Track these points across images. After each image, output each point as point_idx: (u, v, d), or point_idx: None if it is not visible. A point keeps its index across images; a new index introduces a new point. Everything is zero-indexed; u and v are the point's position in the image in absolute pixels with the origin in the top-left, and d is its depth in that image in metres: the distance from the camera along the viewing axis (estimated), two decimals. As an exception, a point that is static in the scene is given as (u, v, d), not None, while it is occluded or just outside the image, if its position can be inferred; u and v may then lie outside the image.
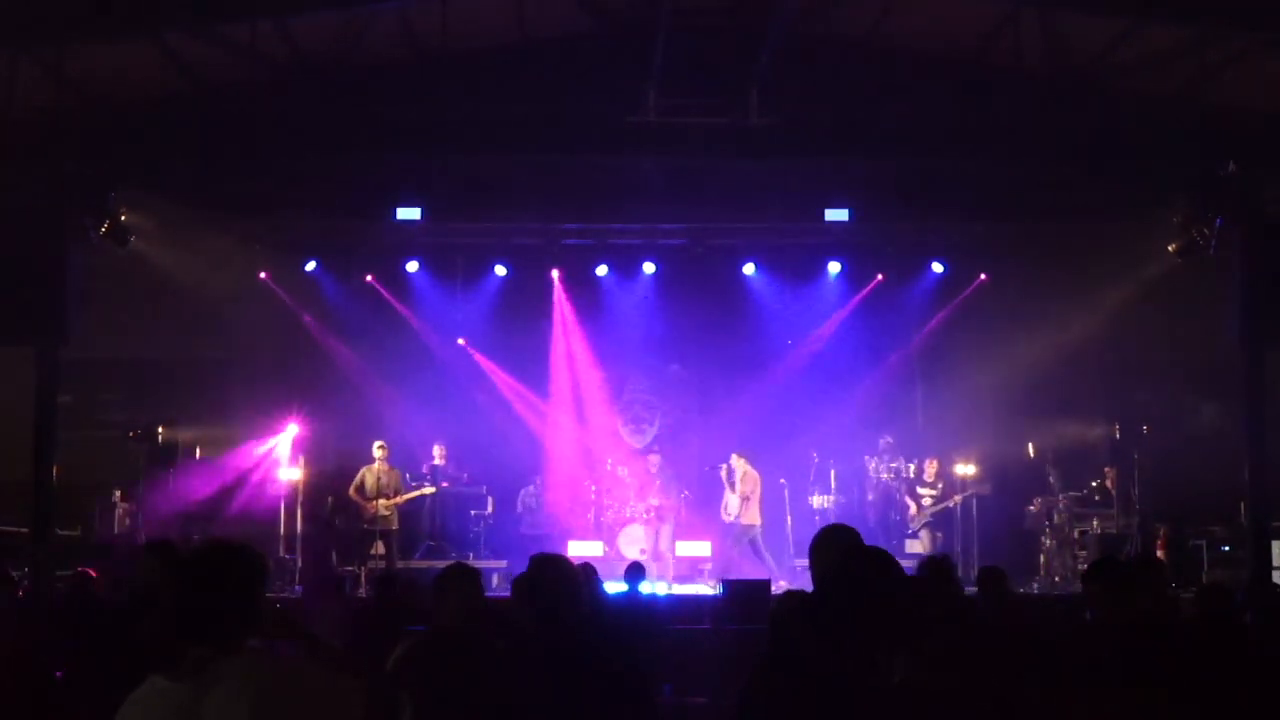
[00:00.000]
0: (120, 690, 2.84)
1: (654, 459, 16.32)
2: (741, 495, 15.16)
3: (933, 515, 15.50)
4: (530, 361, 17.29)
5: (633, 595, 10.52)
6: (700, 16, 13.90)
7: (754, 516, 15.20)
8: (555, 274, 17.28)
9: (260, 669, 2.77)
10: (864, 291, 17.23)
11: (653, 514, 15.85)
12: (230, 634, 2.81)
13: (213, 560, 2.96)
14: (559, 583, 4.71)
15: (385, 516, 14.78)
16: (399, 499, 14.97)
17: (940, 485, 15.52)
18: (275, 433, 15.68)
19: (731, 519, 15.27)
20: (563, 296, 17.41)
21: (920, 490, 15.60)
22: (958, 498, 15.41)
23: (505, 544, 15.62)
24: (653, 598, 11.72)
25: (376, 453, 15.05)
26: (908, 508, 15.68)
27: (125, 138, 13.44)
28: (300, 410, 16.04)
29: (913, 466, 15.94)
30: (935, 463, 15.65)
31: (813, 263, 17.10)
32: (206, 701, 2.68)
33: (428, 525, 15.86)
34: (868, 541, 3.78)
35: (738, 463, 15.33)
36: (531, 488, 16.46)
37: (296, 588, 13.99)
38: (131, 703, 2.79)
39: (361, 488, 14.91)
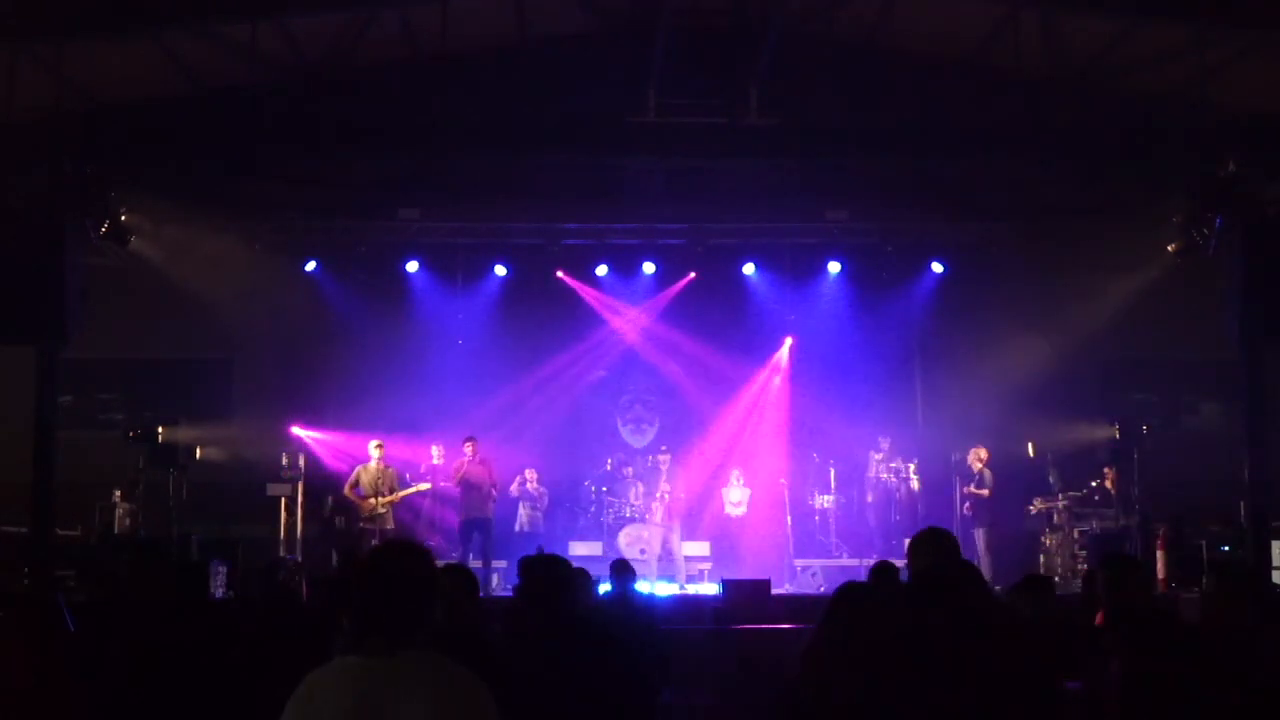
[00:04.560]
0: None
1: (664, 457, 16.28)
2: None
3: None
4: (530, 361, 17.26)
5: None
6: (700, 16, 13.90)
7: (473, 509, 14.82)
8: (560, 274, 17.21)
9: (441, 666, 3.08)
10: (864, 291, 17.19)
11: (661, 513, 15.74)
12: (401, 630, 3.11)
13: (391, 564, 3.26)
14: (557, 583, 4.72)
15: (382, 515, 14.76)
16: (395, 496, 14.95)
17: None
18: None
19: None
20: (563, 295, 17.35)
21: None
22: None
23: (505, 544, 15.59)
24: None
25: (373, 451, 15.02)
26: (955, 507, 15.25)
27: (125, 138, 13.45)
28: (300, 409, 16.06)
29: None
30: (984, 452, 15.00)
31: (813, 263, 17.06)
32: (389, 684, 3.00)
33: (427, 525, 15.84)
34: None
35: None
36: (531, 487, 16.40)
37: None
38: (311, 681, 3.11)
39: (357, 485, 14.88)
